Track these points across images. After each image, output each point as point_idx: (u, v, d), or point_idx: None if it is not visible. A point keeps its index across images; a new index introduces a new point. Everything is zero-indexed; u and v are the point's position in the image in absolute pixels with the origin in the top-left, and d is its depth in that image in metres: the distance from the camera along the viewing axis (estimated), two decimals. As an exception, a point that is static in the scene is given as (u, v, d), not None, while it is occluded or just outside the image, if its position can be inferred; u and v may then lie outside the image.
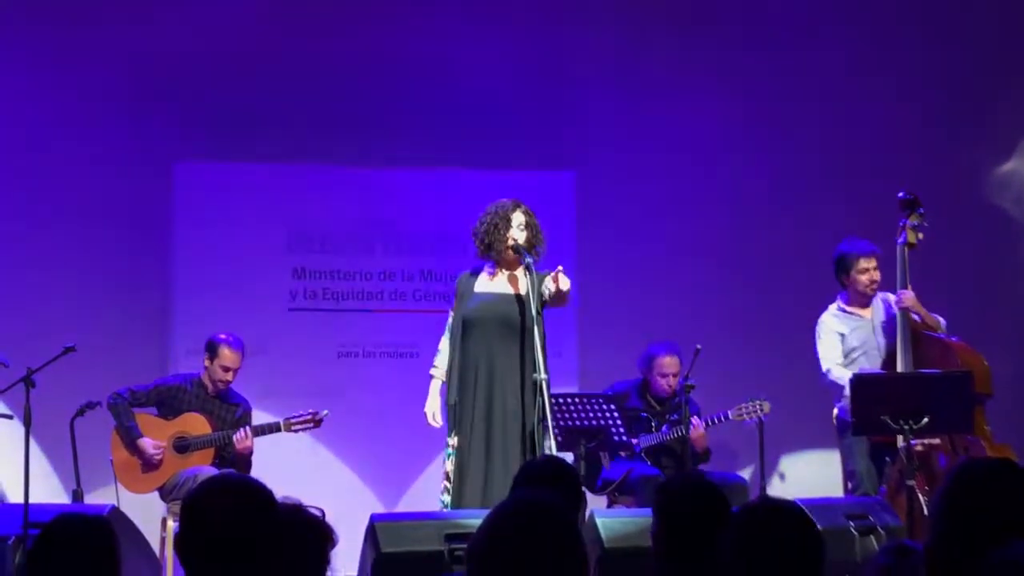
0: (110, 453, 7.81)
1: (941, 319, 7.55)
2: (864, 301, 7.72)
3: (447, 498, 6.86)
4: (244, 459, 7.78)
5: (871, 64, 9.73)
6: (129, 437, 7.73)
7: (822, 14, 9.78)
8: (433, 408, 7.04)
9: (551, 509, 2.64)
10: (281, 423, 7.88)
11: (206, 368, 7.97)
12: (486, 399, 6.84)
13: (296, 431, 7.93)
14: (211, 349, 7.97)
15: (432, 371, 7.10)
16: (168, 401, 7.90)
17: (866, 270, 7.63)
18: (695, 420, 8.03)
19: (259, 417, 8.09)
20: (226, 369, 7.93)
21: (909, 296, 7.39)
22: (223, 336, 8.00)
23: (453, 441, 6.90)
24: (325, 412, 7.92)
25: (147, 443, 7.73)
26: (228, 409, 7.98)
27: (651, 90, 9.62)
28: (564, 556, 2.60)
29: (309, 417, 7.89)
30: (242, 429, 7.79)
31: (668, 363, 8.33)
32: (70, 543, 3.35)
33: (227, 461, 7.78)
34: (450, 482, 6.86)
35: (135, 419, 7.79)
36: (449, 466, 6.90)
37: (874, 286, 7.67)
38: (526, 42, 9.59)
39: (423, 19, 9.44)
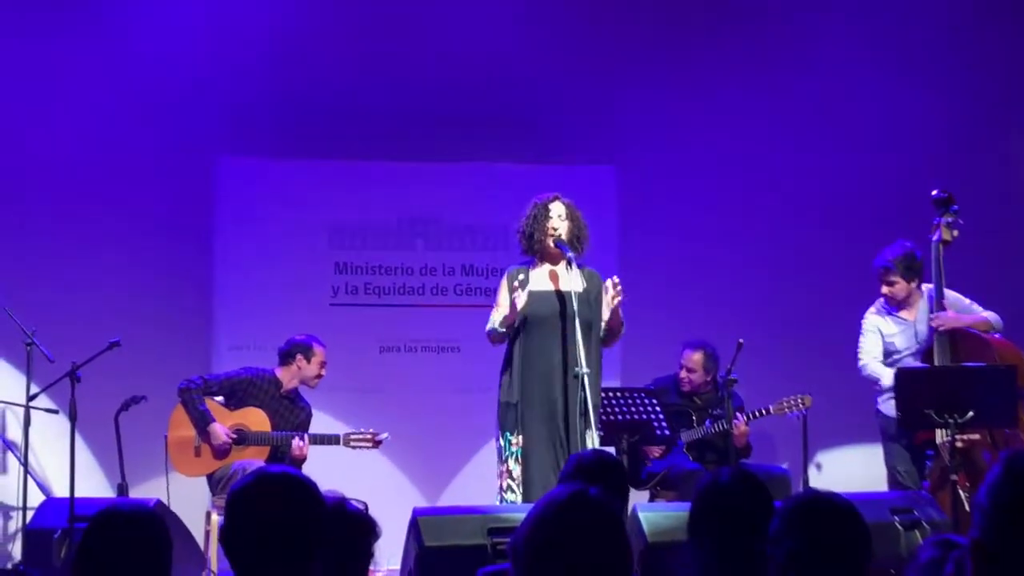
0: (166, 430, 7.81)
1: (992, 317, 7.48)
2: (900, 305, 7.71)
3: (513, 497, 6.77)
4: (296, 465, 7.79)
5: (914, 60, 9.68)
6: (204, 421, 7.75)
7: (864, 11, 9.74)
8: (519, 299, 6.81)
9: (595, 502, 2.63)
10: (341, 437, 7.90)
11: (299, 369, 7.99)
12: (548, 399, 6.81)
13: (353, 447, 7.94)
14: (303, 351, 8.01)
15: (497, 319, 6.95)
16: (238, 393, 7.92)
17: (881, 284, 7.66)
18: (739, 416, 8.02)
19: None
20: (323, 364, 8.02)
21: (945, 319, 7.34)
22: (302, 337, 8.08)
23: (517, 440, 6.82)
24: (385, 435, 7.93)
25: (220, 429, 7.75)
26: (294, 411, 8.01)
27: (692, 85, 9.60)
28: (608, 549, 2.59)
29: (370, 436, 7.91)
30: (301, 436, 7.82)
31: (689, 358, 8.35)
32: (122, 534, 3.36)
33: (280, 461, 7.78)
34: (514, 480, 6.80)
35: (207, 404, 7.83)
36: (512, 465, 6.82)
37: (893, 299, 7.67)
38: (568, 37, 9.59)
39: (464, 15, 9.45)
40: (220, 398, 7.90)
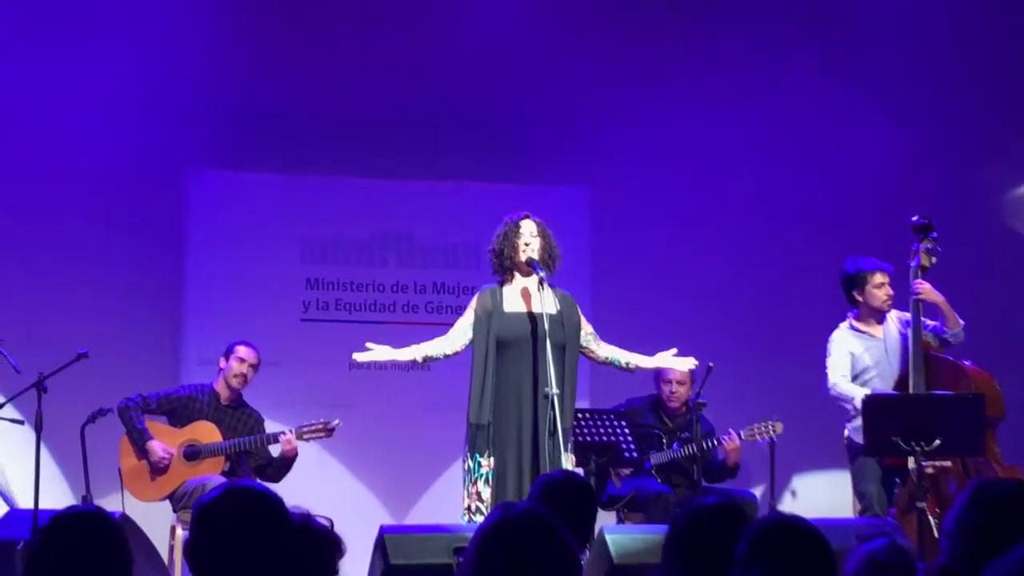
0: (118, 461, 7.80)
1: (961, 320, 7.53)
2: (878, 317, 7.70)
3: (481, 519, 6.66)
4: (288, 461, 7.81)
5: (888, 84, 9.72)
6: (141, 440, 7.73)
7: (837, 34, 9.78)
8: (378, 354, 6.85)
9: (538, 521, 2.63)
10: (292, 432, 7.85)
11: (221, 371, 7.97)
12: (520, 420, 6.71)
13: (307, 440, 7.90)
14: (226, 353, 8.01)
15: (414, 347, 6.88)
16: (179, 411, 7.89)
17: (882, 284, 7.63)
18: (730, 432, 8.02)
19: (271, 428, 8.08)
20: (241, 360, 7.93)
21: (925, 286, 7.37)
22: (238, 341, 8.05)
23: (488, 462, 6.70)
24: (337, 421, 7.88)
25: (156, 446, 7.72)
26: (240, 419, 7.98)
27: (666, 105, 9.61)
28: (547, 564, 2.59)
29: (320, 426, 7.85)
30: (287, 431, 7.81)
31: (676, 371, 8.32)
32: (80, 536, 3.33)
33: (235, 471, 7.78)
34: (483, 503, 6.70)
35: (146, 423, 7.79)
36: (483, 487, 6.69)
37: (890, 301, 7.67)
38: (541, 56, 9.59)
39: (439, 33, 9.46)
40: (164, 418, 7.87)
